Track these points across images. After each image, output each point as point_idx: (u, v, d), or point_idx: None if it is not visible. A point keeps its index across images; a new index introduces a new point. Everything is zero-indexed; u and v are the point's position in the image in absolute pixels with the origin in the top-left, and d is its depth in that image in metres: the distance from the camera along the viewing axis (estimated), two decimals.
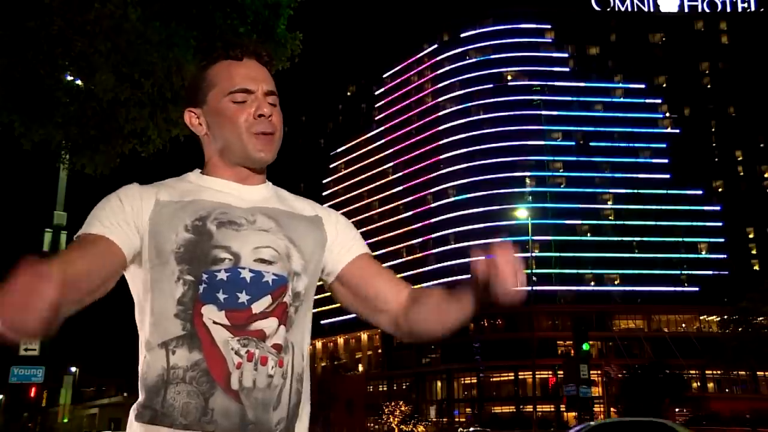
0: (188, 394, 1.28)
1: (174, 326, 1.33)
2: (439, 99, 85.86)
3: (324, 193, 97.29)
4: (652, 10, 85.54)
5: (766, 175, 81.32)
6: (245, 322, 1.33)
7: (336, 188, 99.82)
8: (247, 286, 1.34)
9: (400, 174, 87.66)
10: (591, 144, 79.66)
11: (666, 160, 79.57)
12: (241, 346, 1.31)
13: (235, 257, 1.35)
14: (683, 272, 75.62)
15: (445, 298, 1.44)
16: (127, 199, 1.40)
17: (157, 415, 1.29)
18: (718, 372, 67.07)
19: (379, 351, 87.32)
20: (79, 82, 7.27)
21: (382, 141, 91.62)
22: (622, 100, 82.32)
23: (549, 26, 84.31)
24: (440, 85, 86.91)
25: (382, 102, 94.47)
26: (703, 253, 77.24)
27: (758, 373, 64.61)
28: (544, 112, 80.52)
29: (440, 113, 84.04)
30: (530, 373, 56.50)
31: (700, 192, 78.51)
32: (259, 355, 1.32)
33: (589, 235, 76.85)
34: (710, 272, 75.69)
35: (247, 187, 1.47)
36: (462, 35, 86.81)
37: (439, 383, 78.91)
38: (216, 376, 1.29)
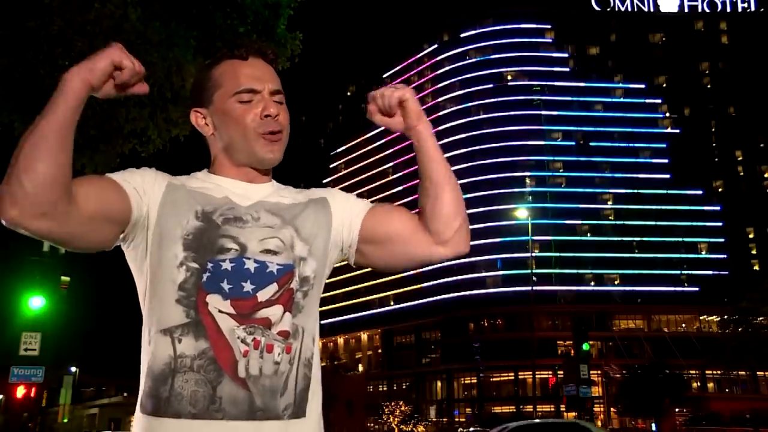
0: (196, 382, 1.28)
1: (176, 313, 1.33)
2: (439, 99, 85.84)
3: None
4: (652, 10, 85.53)
5: (766, 175, 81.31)
6: (251, 311, 1.34)
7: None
8: (251, 276, 1.35)
9: (400, 174, 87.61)
10: (591, 144, 79.65)
11: (666, 160, 79.56)
12: (247, 334, 1.32)
13: (241, 247, 1.37)
14: (683, 272, 75.60)
15: (420, 180, 1.51)
16: (141, 172, 1.43)
17: (161, 405, 1.29)
18: (718, 372, 67.04)
19: (379, 351, 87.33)
20: None
21: (382, 141, 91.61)
22: (622, 100, 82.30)
23: (549, 26, 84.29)
24: (440, 85, 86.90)
25: None
26: (703, 253, 77.23)
27: (758, 373, 64.58)
28: (544, 112, 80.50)
29: (440, 113, 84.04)
30: (530, 373, 56.51)
31: (700, 192, 78.49)
32: (265, 343, 1.33)
33: (589, 235, 76.84)
34: (710, 272, 75.67)
35: (253, 185, 1.48)
36: (462, 35, 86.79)
37: (439, 383, 78.90)
38: (223, 365, 1.30)
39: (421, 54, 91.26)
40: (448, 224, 1.48)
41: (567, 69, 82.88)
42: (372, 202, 1.61)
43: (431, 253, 1.51)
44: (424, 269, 78.85)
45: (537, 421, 20.96)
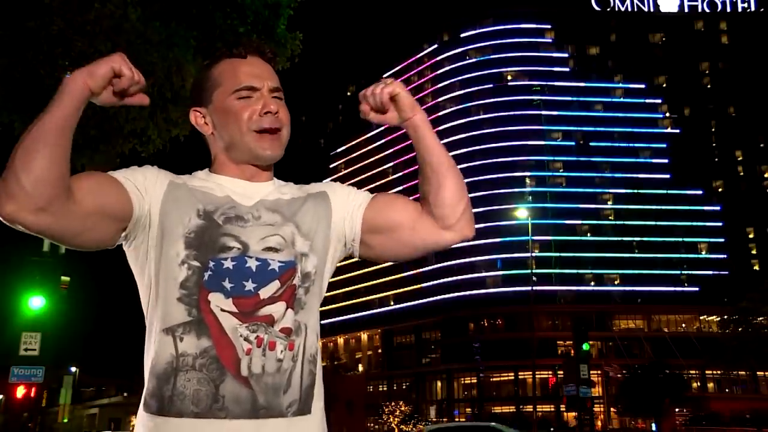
0: (198, 381, 1.28)
1: (178, 311, 1.33)
2: (439, 99, 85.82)
3: None
4: (652, 10, 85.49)
5: (766, 175, 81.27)
6: (253, 309, 1.34)
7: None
8: (252, 274, 1.35)
9: (400, 174, 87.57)
10: (591, 144, 79.61)
11: (666, 160, 79.53)
12: (250, 332, 1.32)
13: (243, 246, 1.37)
14: (683, 272, 75.56)
15: (420, 169, 1.50)
16: (142, 170, 1.43)
17: (164, 404, 1.29)
18: (718, 372, 67.02)
19: (379, 351, 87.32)
20: None
21: (382, 141, 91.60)
22: (622, 100, 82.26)
23: (549, 26, 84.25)
24: (440, 85, 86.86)
25: None
26: (703, 253, 77.20)
27: (758, 373, 64.57)
28: (544, 112, 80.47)
29: (440, 113, 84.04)
30: (530, 373, 56.45)
31: (700, 192, 78.45)
32: (267, 341, 1.32)
33: (589, 235, 76.80)
34: (710, 272, 75.64)
35: (254, 184, 1.48)
36: (462, 35, 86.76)
37: (439, 383, 78.89)
38: (226, 363, 1.29)
39: (421, 54, 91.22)
40: (453, 209, 1.47)
41: (567, 69, 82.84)
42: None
43: (438, 238, 1.50)
44: (424, 269, 78.90)
45: (452, 424, 21.56)
